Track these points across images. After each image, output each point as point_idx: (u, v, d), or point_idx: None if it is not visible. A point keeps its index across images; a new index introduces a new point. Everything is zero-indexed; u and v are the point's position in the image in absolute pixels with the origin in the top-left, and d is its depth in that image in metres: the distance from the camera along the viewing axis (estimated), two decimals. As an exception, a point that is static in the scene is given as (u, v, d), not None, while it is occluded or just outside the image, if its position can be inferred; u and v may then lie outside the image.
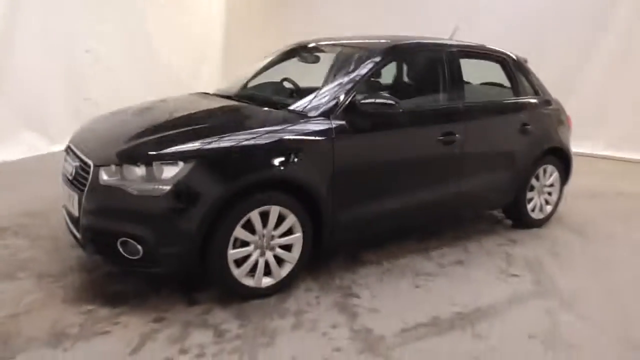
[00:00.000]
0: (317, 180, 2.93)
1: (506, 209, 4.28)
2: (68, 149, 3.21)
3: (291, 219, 2.89)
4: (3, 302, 2.75)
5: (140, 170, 2.64)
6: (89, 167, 2.76)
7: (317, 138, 2.95)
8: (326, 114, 3.03)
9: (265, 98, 3.56)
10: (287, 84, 3.99)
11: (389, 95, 3.08)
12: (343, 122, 3.04)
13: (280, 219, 2.86)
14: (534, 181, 4.18)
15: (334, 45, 3.86)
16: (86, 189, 2.71)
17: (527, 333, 2.72)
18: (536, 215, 4.29)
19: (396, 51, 3.42)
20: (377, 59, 3.32)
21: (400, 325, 2.73)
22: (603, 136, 7.37)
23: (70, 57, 6.53)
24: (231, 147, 2.71)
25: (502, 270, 3.48)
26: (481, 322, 2.80)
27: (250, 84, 4.04)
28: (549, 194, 4.35)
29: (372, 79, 3.43)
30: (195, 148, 2.66)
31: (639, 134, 7.24)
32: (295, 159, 2.85)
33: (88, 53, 6.72)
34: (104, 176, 2.67)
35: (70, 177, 2.94)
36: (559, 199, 4.44)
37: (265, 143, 2.79)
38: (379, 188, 3.26)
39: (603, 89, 7.30)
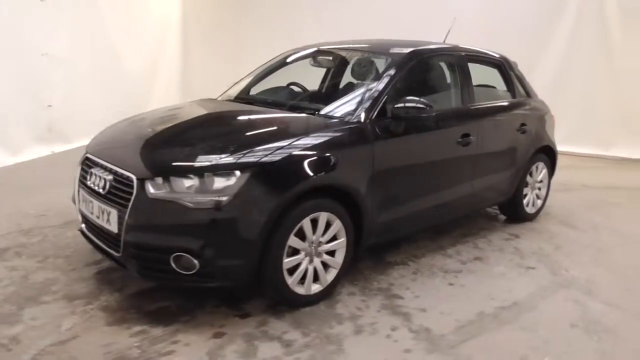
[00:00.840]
0: (360, 184, 2.95)
1: (503, 205, 4.48)
2: (88, 161, 3.02)
3: (337, 224, 2.89)
4: (41, 329, 2.55)
5: (191, 182, 2.54)
6: (130, 180, 2.62)
7: (359, 142, 2.97)
8: (363, 119, 3.06)
9: (288, 103, 3.53)
10: (296, 88, 3.98)
11: (419, 99, 3.14)
12: (379, 126, 3.08)
13: (326, 224, 2.85)
14: (527, 177, 4.43)
15: (351, 50, 3.89)
16: (131, 203, 2.56)
17: (568, 322, 2.88)
18: (530, 209, 4.54)
19: (417, 56, 3.50)
20: (401, 64, 3.39)
21: (453, 323, 2.81)
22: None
23: (27, 61, 6.08)
24: (285, 154, 2.67)
25: (519, 264, 3.65)
26: (523, 315, 2.94)
27: (258, 89, 3.98)
28: (539, 189, 4.62)
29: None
30: (250, 157, 2.59)
31: (584, 130, 7.81)
32: (342, 165, 2.85)
33: (45, 56, 6.28)
34: (151, 189, 2.55)
35: (102, 192, 2.76)
36: (547, 193, 4.73)
37: (317, 149, 2.78)
38: (410, 190, 3.34)
39: (552, 87, 7.77)
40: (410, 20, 8.04)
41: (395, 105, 3.11)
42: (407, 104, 3.12)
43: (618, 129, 7.79)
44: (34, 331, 2.54)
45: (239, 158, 2.58)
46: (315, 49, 4.09)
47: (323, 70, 4.26)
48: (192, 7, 9.38)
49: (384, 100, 3.16)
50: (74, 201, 3.19)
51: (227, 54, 9.34)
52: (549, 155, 4.62)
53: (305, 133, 2.85)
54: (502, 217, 4.65)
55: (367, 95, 3.19)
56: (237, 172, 2.53)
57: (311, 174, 2.72)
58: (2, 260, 3.31)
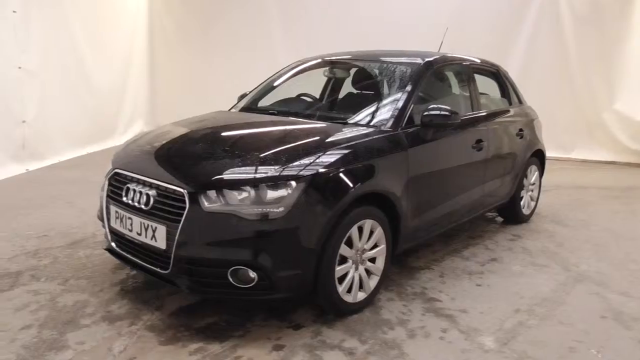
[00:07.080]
0: (398, 190, 3.02)
1: (503, 207, 4.66)
2: (118, 176, 2.92)
3: (379, 232, 2.94)
4: (93, 353, 2.44)
5: (245, 194, 2.51)
6: (179, 195, 2.55)
7: (396, 150, 3.05)
8: (395, 126, 3.14)
9: (315, 113, 3.62)
10: (307, 99, 4.03)
11: (444, 106, 3.25)
12: (410, 134, 3.17)
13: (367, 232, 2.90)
14: (523, 180, 4.64)
15: (366, 60, 3.96)
16: (183, 218, 2.50)
17: (597, 314, 3.05)
18: (525, 211, 4.76)
19: (434, 65, 3.62)
20: (420, 73, 3.49)
21: (496, 321, 2.91)
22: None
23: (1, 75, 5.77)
24: (336, 163, 2.69)
25: (532, 263, 3.83)
26: (557, 310, 3.08)
27: (267, 101, 3.98)
28: (532, 190, 4.85)
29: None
30: (303, 167, 2.59)
31: (548, 135, 8.22)
32: (384, 172, 2.91)
33: (18, 70, 5.98)
34: (205, 203, 2.50)
35: (145, 207, 2.67)
36: (538, 194, 4.98)
37: (363, 157, 2.83)
38: (437, 195, 3.44)
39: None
40: (377, 31, 8.26)
41: (424, 113, 3.21)
42: (433, 112, 3.22)
43: (579, 134, 8.32)
44: (86, 356, 2.42)
45: (293, 168, 2.58)
46: (319, 60, 4.15)
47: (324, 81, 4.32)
48: (159, 23, 9.26)
49: (411, 108, 3.25)
50: (100, 219, 3.08)
51: (193, 68, 9.26)
52: (539, 158, 4.86)
53: (349, 142, 2.89)
54: (499, 219, 4.85)
55: (395, 104, 3.27)
56: (293, 183, 2.53)
57: (360, 181, 2.76)
58: (20, 285, 3.13)
